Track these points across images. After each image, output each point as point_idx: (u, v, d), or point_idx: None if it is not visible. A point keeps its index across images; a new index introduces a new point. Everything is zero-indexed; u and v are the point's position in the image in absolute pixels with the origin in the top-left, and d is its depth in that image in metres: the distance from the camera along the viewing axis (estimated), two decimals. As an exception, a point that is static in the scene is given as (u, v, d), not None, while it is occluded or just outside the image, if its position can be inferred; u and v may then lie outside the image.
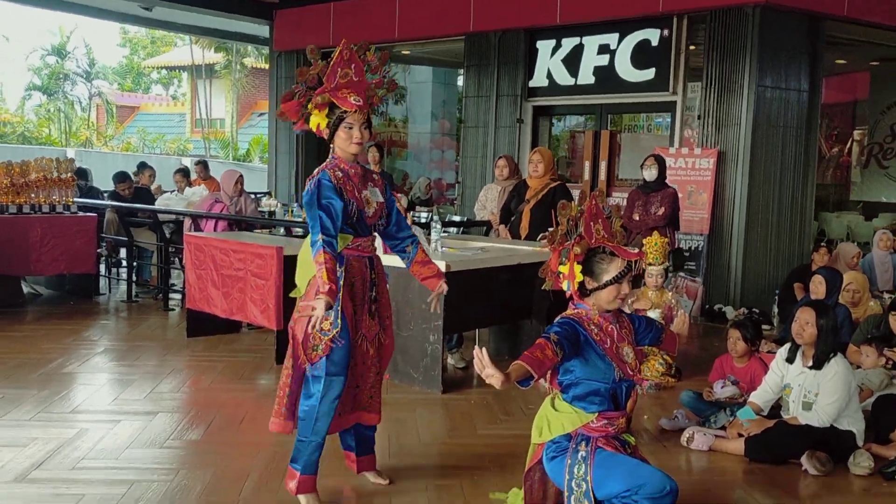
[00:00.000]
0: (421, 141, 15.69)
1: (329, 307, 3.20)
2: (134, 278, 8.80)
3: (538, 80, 10.15)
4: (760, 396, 4.61)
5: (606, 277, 3.03)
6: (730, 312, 8.16)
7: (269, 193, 12.33)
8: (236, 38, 17.05)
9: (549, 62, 10.03)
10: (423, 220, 7.94)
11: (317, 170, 3.44)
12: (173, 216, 8.78)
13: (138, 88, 40.53)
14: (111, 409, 4.86)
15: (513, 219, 6.89)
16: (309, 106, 3.39)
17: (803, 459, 4.15)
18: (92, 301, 8.44)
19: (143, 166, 11.07)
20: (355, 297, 3.51)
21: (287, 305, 5.80)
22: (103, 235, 8.93)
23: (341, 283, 3.40)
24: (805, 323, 4.36)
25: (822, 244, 8.50)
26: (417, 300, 5.22)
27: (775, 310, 7.99)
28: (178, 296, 8.27)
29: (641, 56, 9.19)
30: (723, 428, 4.60)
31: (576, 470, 2.99)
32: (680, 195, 7.73)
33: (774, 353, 4.97)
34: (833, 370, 4.28)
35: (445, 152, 15.34)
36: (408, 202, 9.92)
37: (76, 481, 3.74)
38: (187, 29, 16.35)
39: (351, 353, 3.49)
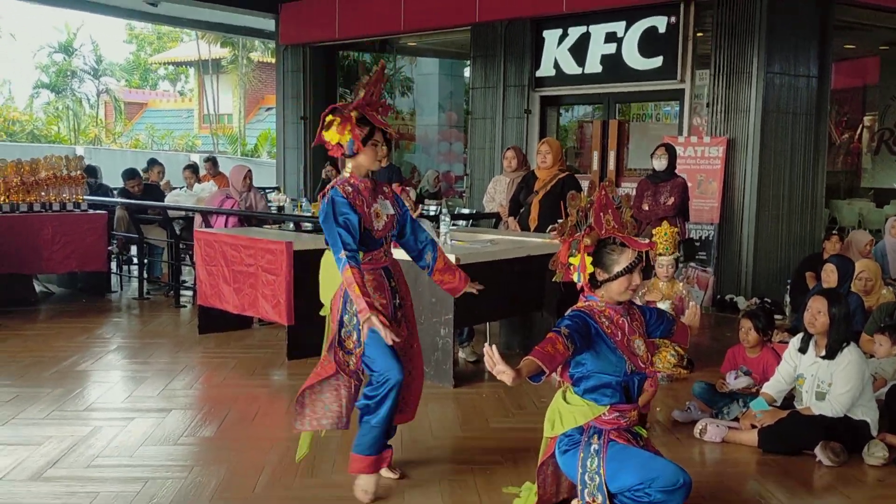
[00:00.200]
0: (429, 133, 15.67)
1: (380, 320, 3.29)
2: (145, 275, 8.83)
3: (545, 69, 10.11)
4: (773, 387, 4.59)
5: (617, 268, 3.02)
6: (741, 302, 8.13)
7: (277, 188, 12.35)
8: (242, 33, 17.04)
9: (555, 52, 9.99)
10: (431, 213, 7.94)
11: (328, 186, 3.56)
12: (183, 212, 8.80)
13: (146, 85, 40.58)
14: (125, 407, 4.88)
15: (522, 210, 6.87)
16: (339, 123, 3.47)
17: (817, 450, 4.13)
18: (104, 298, 8.48)
19: (152, 163, 11.10)
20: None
21: (298, 301, 5.83)
22: (114, 233, 8.96)
23: None
24: (817, 312, 4.33)
25: (834, 232, 8.43)
26: (427, 294, 5.22)
27: (787, 299, 7.95)
28: (190, 292, 8.30)
29: (649, 44, 9.14)
30: (736, 419, 4.58)
31: (588, 463, 2.99)
32: (689, 184, 7.70)
33: (787, 342, 4.94)
34: (846, 359, 4.26)
35: (453, 144, 15.32)
36: (416, 195, 9.92)
37: (91, 479, 3.76)
38: (193, 24, 16.37)
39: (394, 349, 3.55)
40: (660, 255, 5.99)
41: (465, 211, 9.43)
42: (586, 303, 3.10)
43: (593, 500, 2.97)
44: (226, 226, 7.57)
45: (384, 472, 3.83)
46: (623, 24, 9.33)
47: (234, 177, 7.87)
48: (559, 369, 3.03)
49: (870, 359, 5.01)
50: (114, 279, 9.08)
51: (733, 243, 8.52)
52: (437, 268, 3.77)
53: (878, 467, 4.10)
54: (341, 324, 3.60)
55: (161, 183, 10.58)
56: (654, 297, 5.83)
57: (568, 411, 3.06)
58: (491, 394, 5.18)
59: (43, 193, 8.04)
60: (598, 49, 9.58)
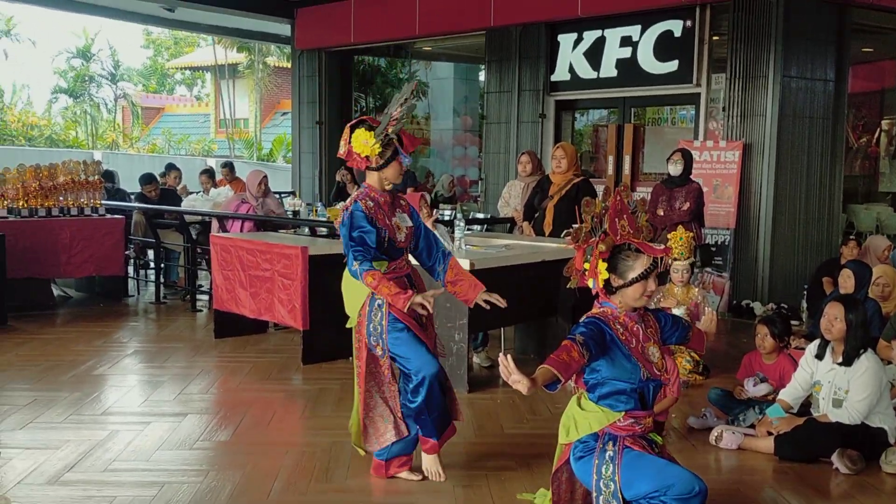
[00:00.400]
0: (443, 137, 15.68)
1: (419, 299, 3.50)
2: (162, 280, 8.88)
3: (560, 74, 10.11)
4: (790, 394, 4.56)
5: (632, 275, 3.01)
6: (758, 308, 8.08)
7: (293, 193, 12.39)
8: (258, 38, 17.14)
9: (570, 56, 9.98)
10: (446, 218, 7.93)
11: (349, 199, 3.71)
12: (199, 217, 8.85)
13: (162, 90, 40.85)
14: (141, 411, 4.91)
15: (536, 215, 6.87)
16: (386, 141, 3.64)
17: (834, 458, 4.10)
18: (121, 303, 8.54)
19: (170, 167, 11.17)
20: (406, 316, 3.70)
21: (313, 305, 5.85)
22: (131, 237, 9.02)
23: (384, 308, 3.66)
24: (834, 318, 4.31)
25: (851, 237, 8.36)
26: (441, 299, 5.19)
27: (804, 304, 7.89)
28: (206, 297, 8.34)
29: (664, 48, 9.12)
30: (752, 426, 4.55)
31: (604, 470, 2.98)
32: (705, 189, 7.67)
33: (804, 348, 4.91)
34: (863, 366, 4.23)
35: (468, 149, 15.32)
36: (431, 199, 9.92)
37: (108, 483, 3.79)
38: (209, 29, 16.45)
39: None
40: (675, 260, 5.96)
41: (480, 215, 9.42)
42: (601, 309, 3.09)
43: (608, 507, 2.96)
44: (242, 230, 7.61)
45: (405, 474, 3.88)
46: (638, 27, 9.32)
47: (250, 182, 7.92)
48: (574, 375, 3.02)
49: (887, 365, 4.96)
50: (131, 283, 9.15)
51: (749, 248, 8.47)
52: (447, 279, 3.86)
53: (896, 475, 4.07)
54: (369, 332, 3.72)
55: (178, 188, 10.65)
56: (669, 303, 5.80)
57: (583, 417, 3.05)
58: (505, 399, 5.18)
59: (61, 198, 8.12)
60: (614, 53, 9.57)
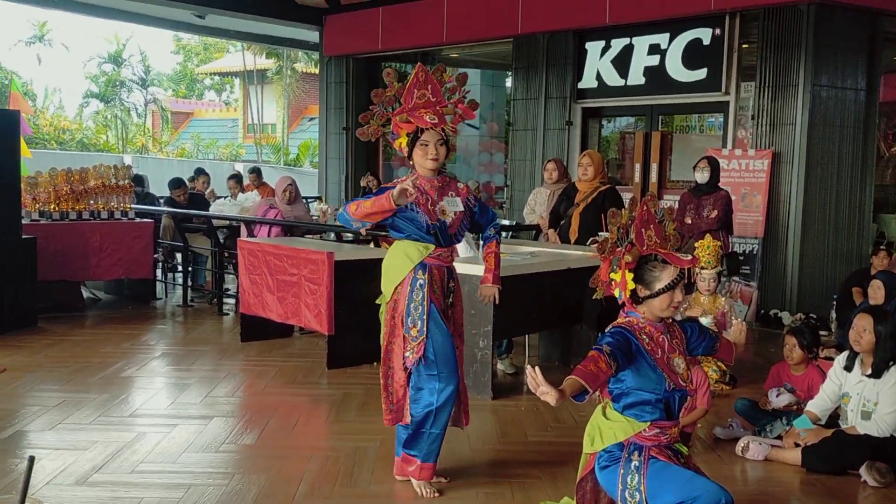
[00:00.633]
0: (469, 144, 15.69)
1: (398, 189, 3.45)
2: (189, 283, 8.97)
3: (587, 81, 10.08)
4: (818, 405, 4.51)
5: (659, 285, 2.99)
6: (786, 318, 8.00)
7: (319, 198, 12.46)
8: (287, 44, 17.25)
9: (598, 63, 9.96)
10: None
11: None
12: (227, 222, 8.93)
13: (192, 95, 41.30)
14: (168, 413, 4.96)
15: (562, 223, 6.86)
16: (389, 126, 3.70)
17: (862, 470, 4.05)
18: (149, 305, 8.63)
19: (199, 172, 11.29)
20: (437, 303, 3.73)
21: (339, 310, 5.88)
22: (159, 241, 9.12)
23: (425, 289, 3.67)
24: (862, 330, 4.26)
25: (882, 247, 8.26)
26: (467, 306, 5.18)
27: (833, 315, 7.80)
28: (232, 300, 8.41)
29: (693, 56, 9.07)
30: (779, 437, 4.51)
31: (629, 480, 2.96)
32: (734, 197, 7.62)
33: (832, 359, 4.86)
34: (893, 378, 4.18)
35: (494, 155, 15.31)
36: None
37: (135, 485, 3.83)
38: (239, 36, 16.62)
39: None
40: (702, 268, 5.92)
41: (506, 222, 9.43)
42: (627, 318, 3.08)
43: (632, 518, 2.95)
44: (269, 235, 7.67)
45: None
46: (667, 35, 9.28)
47: (278, 188, 8.00)
48: (599, 385, 3.01)
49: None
50: (159, 286, 9.25)
51: (778, 257, 8.39)
52: (485, 252, 3.93)
53: (927, 490, 4.01)
54: (408, 312, 3.71)
55: (206, 192, 10.75)
56: (696, 312, 5.75)
57: (608, 427, 3.04)
58: (530, 406, 5.17)
59: (92, 202, 8.23)
60: (642, 61, 9.53)
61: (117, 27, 34.49)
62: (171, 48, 44.92)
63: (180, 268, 9.52)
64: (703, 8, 8.76)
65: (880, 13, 8.53)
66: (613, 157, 11.84)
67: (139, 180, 10.33)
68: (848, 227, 8.65)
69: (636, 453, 2.99)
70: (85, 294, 8.73)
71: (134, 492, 3.75)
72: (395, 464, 3.93)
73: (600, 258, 3.09)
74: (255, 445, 4.45)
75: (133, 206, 8.67)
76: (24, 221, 7.52)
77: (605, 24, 9.67)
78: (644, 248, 3.01)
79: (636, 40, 9.57)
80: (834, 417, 4.55)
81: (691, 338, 3.18)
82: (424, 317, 3.66)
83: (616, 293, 3.06)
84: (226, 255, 8.71)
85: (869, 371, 4.26)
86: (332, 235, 8.31)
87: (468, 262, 5.18)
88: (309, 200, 11.07)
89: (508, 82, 14.11)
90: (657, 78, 9.40)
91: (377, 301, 3.90)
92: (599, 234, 3.16)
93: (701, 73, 9.03)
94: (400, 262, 3.72)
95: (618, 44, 9.75)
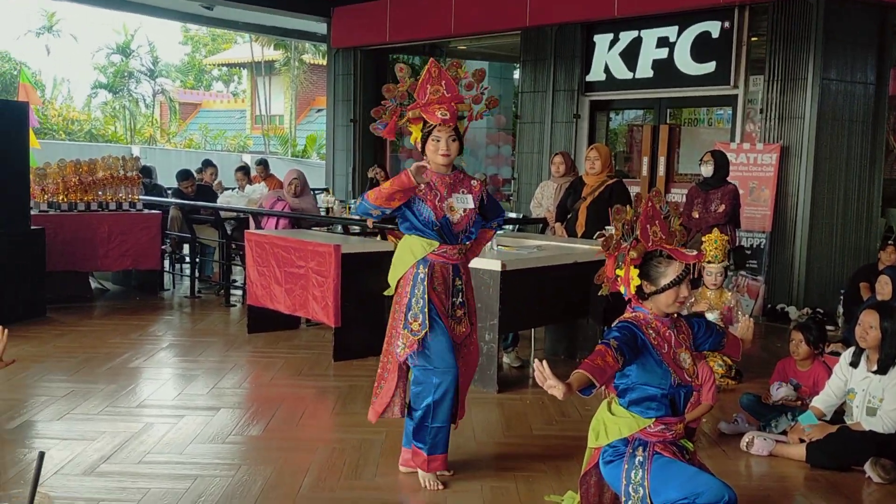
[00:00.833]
0: (477, 136, 15.67)
1: (420, 168, 3.52)
2: (196, 275, 9.00)
3: (595, 74, 10.06)
4: (823, 401, 4.51)
5: (664, 281, 2.99)
6: (793, 312, 7.99)
7: (326, 190, 12.48)
8: (295, 36, 17.26)
9: (606, 56, 9.93)
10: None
11: None
12: (235, 213, 8.96)
13: (200, 86, 41.37)
14: (175, 404, 4.99)
15: (569, 216, 6.84)
16: (402, 121, 3.68)
17: (867, 466, 4.05)
18: (157, 296, 8.67)
19: (207, 164, 11.31)
20: (441, 301, 3.73)
21: (346, 303, 5.90)
22: (167, 232, 9.16)
23: (425, 284, 3.67)
24: (868, 326, 4.25)
25: (890, 242, 8.22)
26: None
27: (840, 310, 7.79)
28: (239, 292, 8.44)
29: (701, 49, 9.04)
30: (784, 433, 4.51)
31: (633, 475, 2.97)
32: (741, 191, 7.60)
33: (839, 354, 4.85)
34: (899, 375, 4.17)
35: (501, 148, 15.30)
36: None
37: (142, 475, 3.86)
38: (247, 27, 16.61)
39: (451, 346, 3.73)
40: (709, 262, 5.91)
41: (512, 215, 9.42)
42: (633, 313, 3.08)
43: (636, 513, 2.96)
44: (276, 227, 7.69)
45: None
46: (675, 28, 9.24)
47: (284, 181, 8.02)
48: (605, 380, 3.02)
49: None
50: (166, 278, 9.29)
51: (785, 252, 8.37)
52: (478, 235, 3.94)
53: (932, 486, 4.00)
54: (409, 306, 3.71)
55: (214, 184, 10.77)
56: (702, 307, 5.74)
57: (613, 422, 3.05)
58: (535, 400, 5.18)
59: (100, 193, 8.26)
60: (650, 54, 9.50)
61: (125, 18, 34.52)
62: (179, 39, 45.06)
63: (188, 259, 9.56)
64: (712, 1, 8.73)
65: (890, 6, 8.47)
66: (621, 150, 11.81)
67: (147, 172, 10.36)
68: (856, 222, 8.62)
69: (641, 449, 2.99)
70: (93, 285, 8.77)
71: (141, 482, 3.78)
72: (401, 455, 3.95)
73: (605, 255, 3.09)
74: (262, 437, 4.47)
75: (141, 197, 8.70)
76: (32, 212, 7.58)
77: (613, 17, 9.63)
78: (649, 245, 3.01)
79: (644, 33, 9.54)
80: (839, 413, 4.55)
81: (698, 333, 3.18)
82: (426, 310, 3.66)
83: (622, 289, 3.06)
84: (233, 246, 8.74)
85: (875, 367, 4.26)
86: (340, 228, 8.32)
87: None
88: (316, 192, 11.09)
89: (516, 75, 14.08)
90: (665, 71, 9.37)
91: (385, 293, 3.91)
92: (606, 228, 3.15)
93: (709, 67, 9.00)
94: (404, 256, 3.75)
95: (626, 36, 9.72)
